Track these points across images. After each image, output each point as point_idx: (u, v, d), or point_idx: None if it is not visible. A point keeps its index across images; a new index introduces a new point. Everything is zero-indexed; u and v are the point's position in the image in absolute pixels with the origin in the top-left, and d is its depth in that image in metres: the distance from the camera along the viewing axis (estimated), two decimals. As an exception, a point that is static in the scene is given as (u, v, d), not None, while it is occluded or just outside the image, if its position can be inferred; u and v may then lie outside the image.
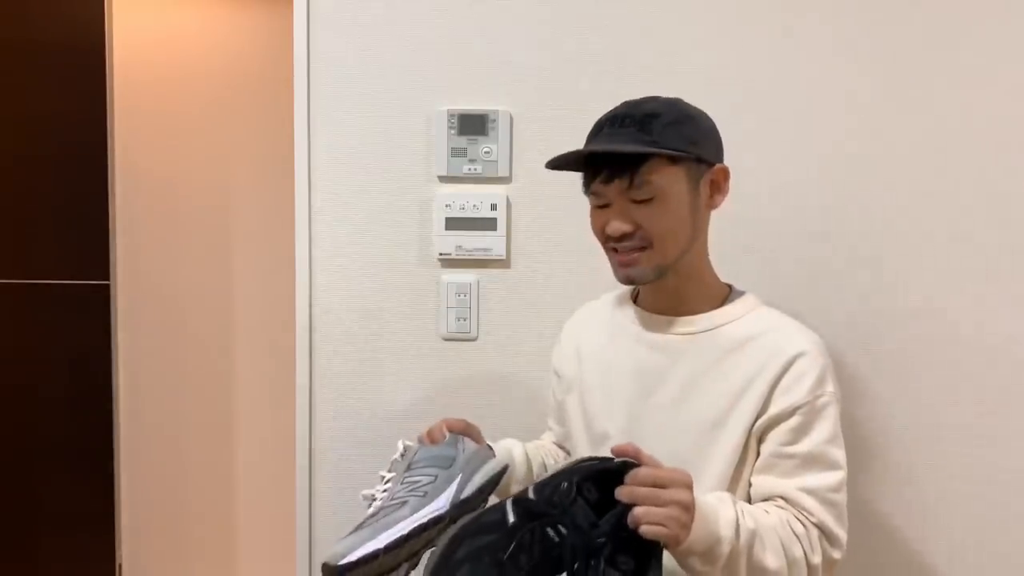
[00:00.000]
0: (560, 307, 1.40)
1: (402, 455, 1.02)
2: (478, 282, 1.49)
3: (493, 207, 1.46)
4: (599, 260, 1.09)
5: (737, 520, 0.90)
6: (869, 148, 1.42)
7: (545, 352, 1.30)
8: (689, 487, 0.85)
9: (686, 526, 0.84)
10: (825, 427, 1.00)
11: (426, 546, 0.90)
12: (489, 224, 1.46)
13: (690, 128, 1.02)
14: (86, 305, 2.11)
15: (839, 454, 1.01)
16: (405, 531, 0.89)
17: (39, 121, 2.07)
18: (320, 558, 1.53)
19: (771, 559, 0.92)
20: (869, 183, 1.42)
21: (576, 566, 0.82)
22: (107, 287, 2.12)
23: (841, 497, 1.00)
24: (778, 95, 1.43)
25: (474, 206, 1.46)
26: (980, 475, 1.44)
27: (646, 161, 0.98)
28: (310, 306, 1.50)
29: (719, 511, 0.89)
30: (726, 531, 0.88)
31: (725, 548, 0.88)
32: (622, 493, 0.83)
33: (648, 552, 0.83)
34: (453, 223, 1.46)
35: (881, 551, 1.46)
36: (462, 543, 0.81)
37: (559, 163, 1.05)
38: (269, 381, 2.51)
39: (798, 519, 0.97)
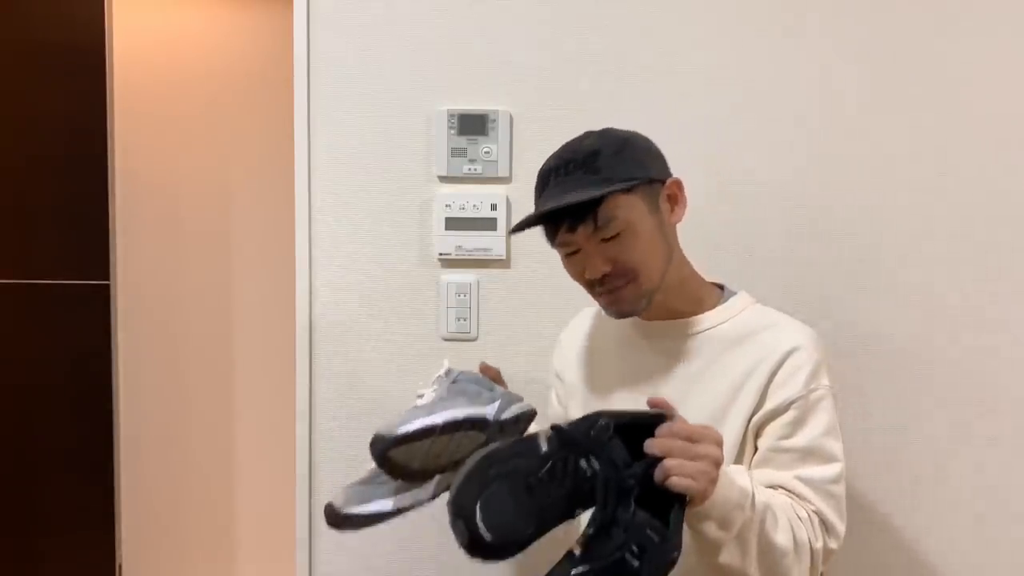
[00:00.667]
0: (560, 307, 1.40)
1: (447, 372, 1.02)
2: (478, 282, 1.48)
3: (493, 207, 1.46)
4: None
5: (752, 491, 0.90)
6: (869, 148, 1.42)
7: (545, 352, 1.30)
8: (720, 444, 0.85)
9: (714, 482, 0.83)
10: (821, 420, 1.00)
11: (461, 460, 0.86)
12: (489, 224, 1.46)
13: (630, 152, 1.02)
14: (86, 305, 2.11)
15: (836, 446, 1.01)
16: (461, 416, 0.89)
17: (39, 121, 2.07)
18: (321, 558, 1.53)
19: (781, 536, 0.92)
20: (869, 183, 1.42)
21: (607, 502, 0.80)
22: (107, 287, 2.11)
23: (839, 489, 1.00)
24: (778, 95, 1.43)
25: (474, 206, 1.46)
26: (980, 475, 1.44)
27: (604, 200, 0.98)
28: (310, 306, 1.50)
29: (736, 479, 0.89)
30: (743, 498, 0.88)
31: (742, 515, 0.87)
32: (654, 445, 0.81)
33: (670, 506, 0.82)
34: (453, 223, 1.46)
35: (881, 551, 1.46)
36: (493, 464, 0.79)
37: (524, 226, 1.05)
38: (269, 381, 2.51)
39: (800, 505, 0.97)
